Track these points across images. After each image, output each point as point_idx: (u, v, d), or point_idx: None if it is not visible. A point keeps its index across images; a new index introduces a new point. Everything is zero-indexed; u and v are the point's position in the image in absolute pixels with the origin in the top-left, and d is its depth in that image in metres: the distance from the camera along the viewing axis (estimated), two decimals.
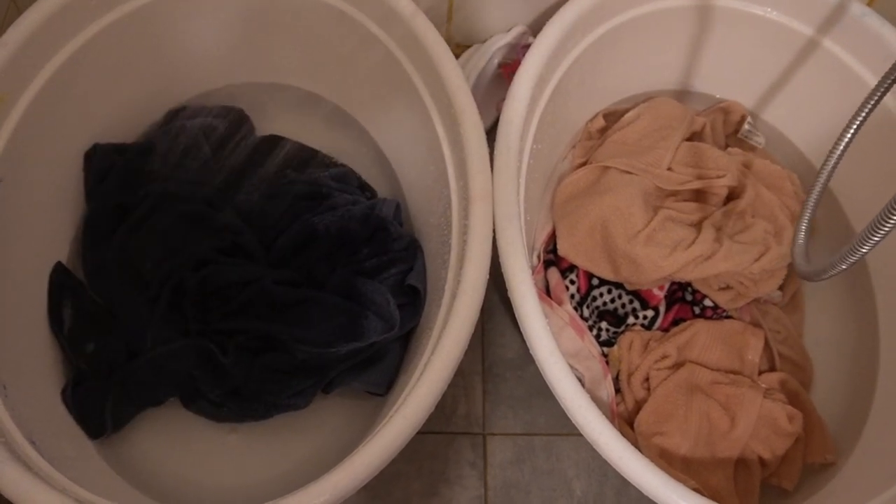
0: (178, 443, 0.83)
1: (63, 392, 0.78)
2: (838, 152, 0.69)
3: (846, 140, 0.69)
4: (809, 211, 0.71)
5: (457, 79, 0.77)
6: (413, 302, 0.82)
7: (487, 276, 0.70)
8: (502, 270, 0.72)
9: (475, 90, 0.96)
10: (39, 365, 0.78)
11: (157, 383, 0.80)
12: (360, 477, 0.62)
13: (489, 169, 0.75)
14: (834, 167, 0.70)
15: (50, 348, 0.80)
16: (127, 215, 0.85)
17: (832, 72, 0.91)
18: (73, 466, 0.68)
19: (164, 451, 0.82)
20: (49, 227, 0.84)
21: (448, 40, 0.90)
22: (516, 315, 0.71)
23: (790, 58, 0.94)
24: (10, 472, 0.59)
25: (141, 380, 0.79)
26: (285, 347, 0.79)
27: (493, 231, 0.73)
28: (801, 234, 0.71)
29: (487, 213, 0.73)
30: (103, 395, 0.78)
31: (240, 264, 0.83)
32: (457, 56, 0.98)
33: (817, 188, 0.71)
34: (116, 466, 0.78)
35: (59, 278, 0.82)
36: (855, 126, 0.68)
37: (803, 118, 0.98)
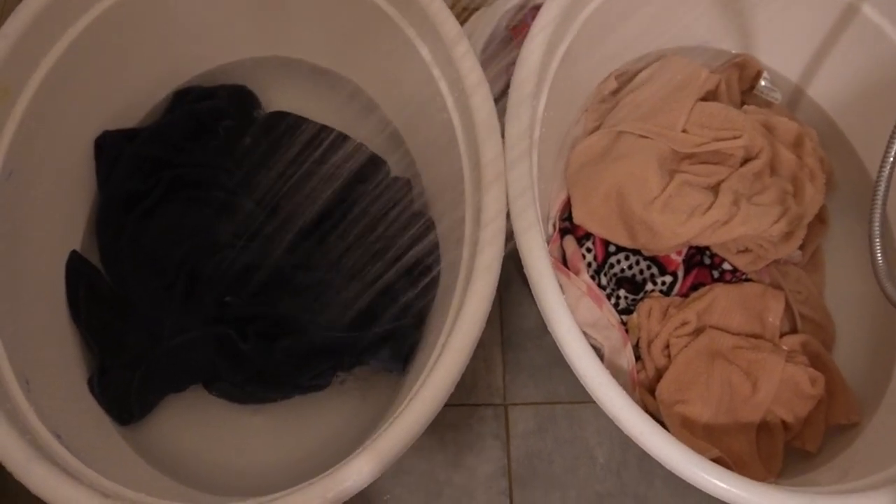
0: (203, 426, 0.84)
1: (90, 382, 0.79)
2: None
3: None
4: (878, 223, 0.66)
5: (465, 52, 0.75)
6: (428, 280, 0.81)
7: (503, 254, 0.70)
8: (517, 246, 0.71)
9: (484, 56, 0.94)
10: (61, 357, 0.79)
11: (178, 372, 0.81)
12: (384, 461, 0.62)
13: (500, 143, 0.74)
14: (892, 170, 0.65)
15: (70, 340, 0.81)
16: (139, 202, 0.85)
17: (852, 24, 0.88)
18: (100, 457, 0.69)
19: (189, 434, 0.83)
20: (62, 217, 0.84)
21: (454, 4, 0.88)
22: (533, 292, 0.70)
23: (807, 10, 0.91)
24: (37, 470, 0.60)
25: (162, 369, 0.80)
26: (303, 331, 0.79)
27: (507, 206, 0.72)
28: (878, 255, 0.66)
29: (500, 188, 0.72)
30: (128, 382, 0.79)
31: (254, 248, 0.82)
32: (464, 20, 0.97)
33: (881, 190, 0.66)
34: (143, 453, 0.79)
35: (76, 267, 0.83)
36: None
37: (822, 72, 0.95)
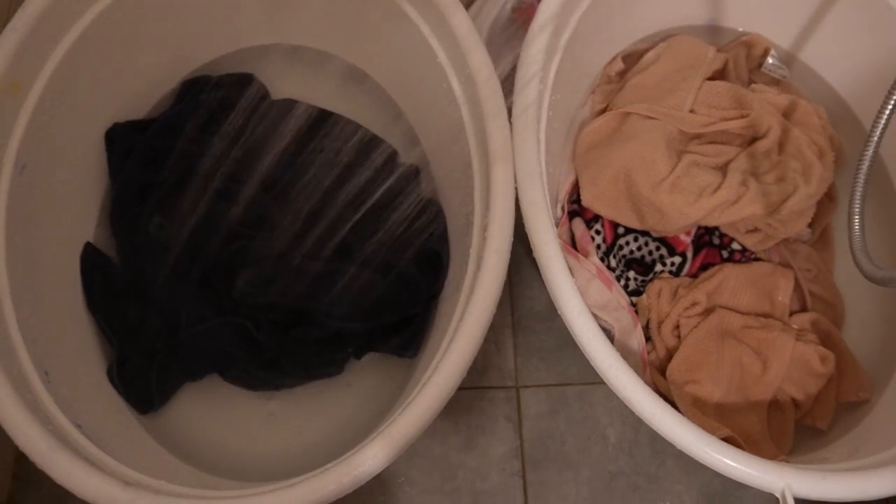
0: (220, 413, 0.85)
1: (109, 372, 0.80)
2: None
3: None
4: (859, 195, 0.65)
5: (471, 37, 0.75)
6: (438, 266, 0.82)
7: (512, 238, 0.70)
8: (526, 231, 0.72)
9: (490, 40, 0.94)
10: (79, 348, 0.80)
11: (195, 361, 0.82)
12: (398, 445, 0.63)
13: (508, 128, 0.74)
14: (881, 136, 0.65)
15: (88, 331, 0.82)
16: (152, 193, 0.85)
17: (862, 2, 0.88)
18: (120, 446, 0.70)
19: (206, 422, 0.84)
20: (75, 209, 0.85)
21: None
22: (543, 277, 0.71)
23: None
24: (60, 460, 0.61)
25: (180, 358, 0.81)
26: (316, 319, 0.80)
27: (516, 190, 0.72)
28: (857, 226, 0.66)
29: (508, 174, 0.72)
30: (147, 372, 0.80)
31: (267, 238, 0.83)
32: (469, 3, 0.96)
33: (864, 165, 0.65)
34: (162, 441, 0.80)
35: (91, 259, 0.83)
36: None
37: (831, 49, 0.95)
